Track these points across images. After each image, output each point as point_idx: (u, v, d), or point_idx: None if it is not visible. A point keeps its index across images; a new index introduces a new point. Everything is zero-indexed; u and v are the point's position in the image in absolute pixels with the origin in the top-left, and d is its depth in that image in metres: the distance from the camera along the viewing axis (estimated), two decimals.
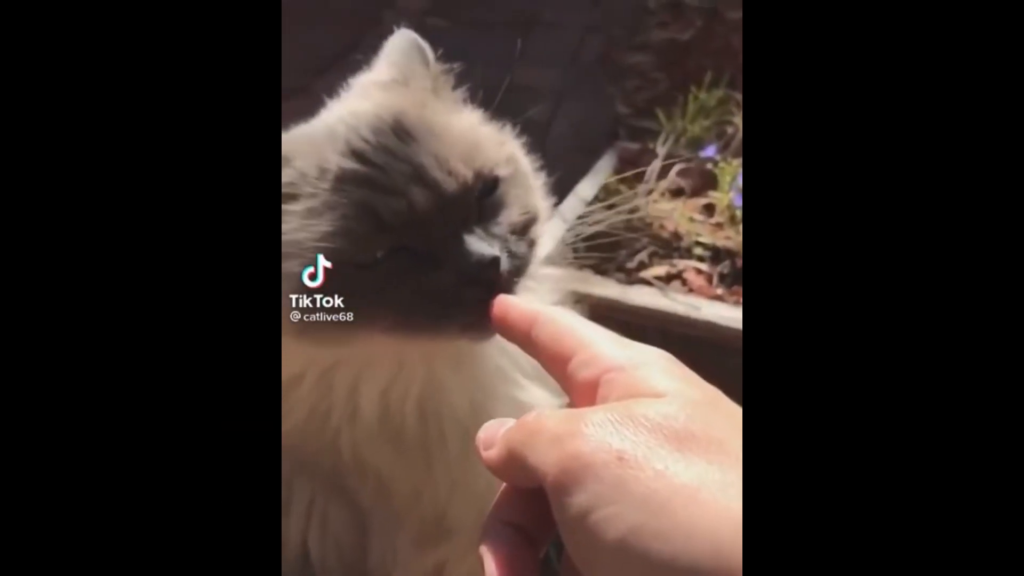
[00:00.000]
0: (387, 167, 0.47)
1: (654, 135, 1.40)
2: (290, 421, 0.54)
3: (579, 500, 0.30)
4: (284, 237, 0.47)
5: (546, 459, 0.32)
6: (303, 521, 0.56)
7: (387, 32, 0.60)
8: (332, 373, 0.53)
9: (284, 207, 0.48)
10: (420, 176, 0.47)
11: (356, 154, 0.48)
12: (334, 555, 0.57)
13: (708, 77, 1.43)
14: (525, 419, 0.35)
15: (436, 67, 0.58)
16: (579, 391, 0.36)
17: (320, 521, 0.57)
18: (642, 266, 1.14)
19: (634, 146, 1.39)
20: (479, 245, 0.47)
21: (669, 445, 0.30)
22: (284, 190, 0.48)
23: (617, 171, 1.31)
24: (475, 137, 0.52)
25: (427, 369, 0.54)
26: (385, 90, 0.56)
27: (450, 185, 0.47)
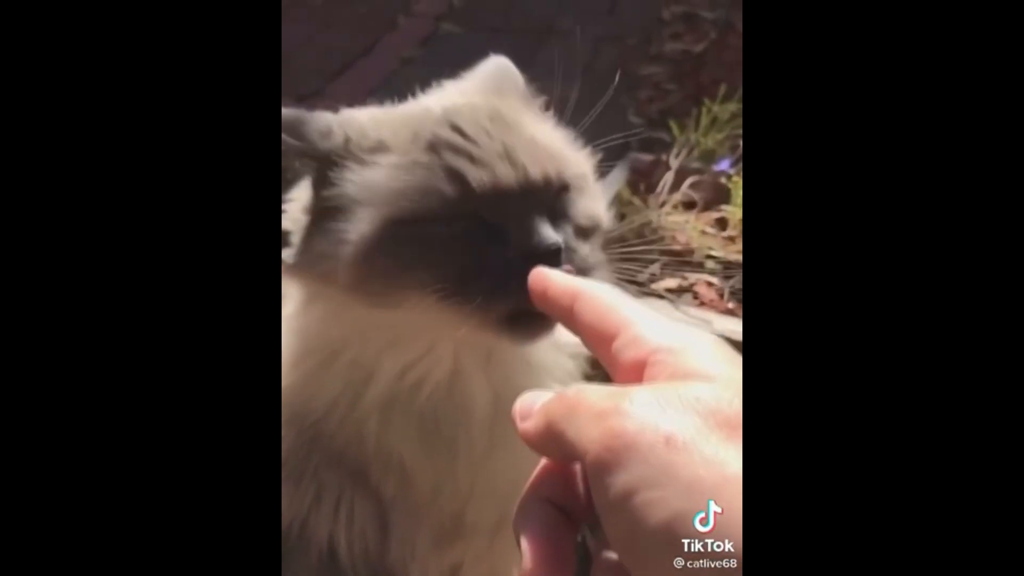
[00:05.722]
0: (480, 142, 0.52)
1: (667, 146, 1.39)
2: (324, 397, 0.56)
3: (621, 481, 0.28)
4: (367, 183, 0.52)
5: (587, 435, 0.30)
6: (331, 517, 0.58)
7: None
8: (364, 340, 0.55)
9: (373, 157, 0.53)
10: (509, 156, 0.51)
11: (453, 126, 0.52)
12: (359, 550, 0.58)
13: (722, 90, 1.43)
14: (565, 392, 0.34)
15: (526, 89, 0.62)
16: (624, 371, 0.34)
17: (347, 516, 0.58)
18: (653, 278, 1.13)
19: (647, 157, 1.38)
20: (548, 231, 0.49)
21: (720, 432, 0.29)
22: (373, 143, 0.53)
23: (629, 182, 1.30)
24: (559, 146, 0.57)
25: (455, 360, 0.55)
26: (479, 93, 0.60)
27: (535, 171, 0.51)
